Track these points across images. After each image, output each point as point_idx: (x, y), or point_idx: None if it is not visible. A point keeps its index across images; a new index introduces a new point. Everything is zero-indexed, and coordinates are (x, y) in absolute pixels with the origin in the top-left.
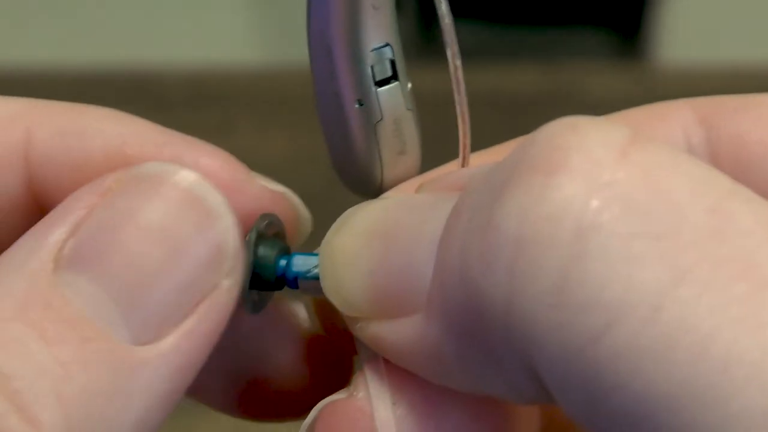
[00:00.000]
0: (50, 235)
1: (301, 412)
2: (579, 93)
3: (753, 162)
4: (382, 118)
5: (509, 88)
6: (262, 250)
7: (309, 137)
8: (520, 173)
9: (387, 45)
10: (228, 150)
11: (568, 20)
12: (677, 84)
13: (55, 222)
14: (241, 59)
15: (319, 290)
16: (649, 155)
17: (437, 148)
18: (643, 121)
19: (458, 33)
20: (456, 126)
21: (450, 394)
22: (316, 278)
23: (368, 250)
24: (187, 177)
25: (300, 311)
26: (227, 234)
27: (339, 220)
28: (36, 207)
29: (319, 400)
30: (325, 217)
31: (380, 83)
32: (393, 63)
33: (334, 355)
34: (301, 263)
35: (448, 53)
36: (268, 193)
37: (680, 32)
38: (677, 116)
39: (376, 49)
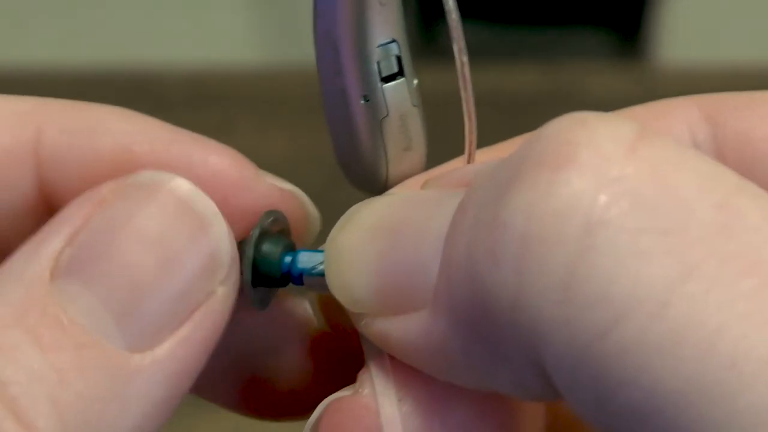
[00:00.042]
0: (48, 245)
1: (306, 409)
2: (579, 93)
3: (759, 159)
4: (387, 114)
5: (509, 88)
6: (267, 247)
7: (309, 137)
8: (528, 169)
9: (393, 41)
10: None
11: (568, 20)
12: (677, 84)
13: (52, 231)
14: (241, 59)
15: (324, 287)
16: (657, 150)
17: (438, 148)
18: (648, 118)
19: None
20: (457, 125)
21: (455, 391)
22: (321, 275)
23: (374, 246)
24: (180, 185)
25: (305, 308)
26: (220, 242)
27: (344, 217)
28: (45, 205)
29: (324, 398)
30: (325, 216)
31: (386, 79)
32: (399, 59)
33: (339, 352)
34: (306, 260)
35: (455, 49)
36: (277, 191)
37: (680, 32)
38: (682, 113)
39: (382, 45)
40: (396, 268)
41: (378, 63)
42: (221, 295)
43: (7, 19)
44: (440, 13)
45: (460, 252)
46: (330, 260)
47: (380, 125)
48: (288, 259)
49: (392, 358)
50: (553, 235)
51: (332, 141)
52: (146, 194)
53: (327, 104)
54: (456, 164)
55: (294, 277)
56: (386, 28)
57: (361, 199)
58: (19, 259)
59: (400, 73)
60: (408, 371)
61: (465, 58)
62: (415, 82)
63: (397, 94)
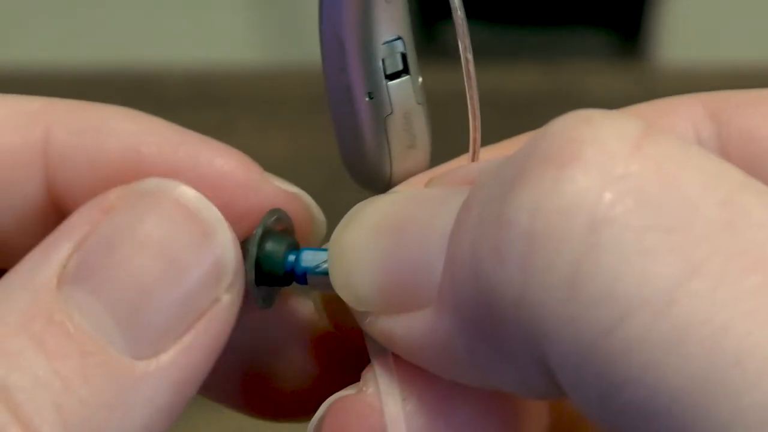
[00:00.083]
0: (55, 252)
1: (310, 409)
2: (579, 93)
3: (763, 156)
4: (392, 112)
5: (509, 88)
6: (271, 245)
7: (309, 137)
8: (533, 166)
9: (399, 38)
10: None
11: (568, 20)
12: (677, 84)
13: (60, 238)
14: (241, 59)
15: (327, 286)
16: (662, 148)
17: (441, 146)
18: (652, 116)
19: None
20: (458, 124)
21: (460, 389)
22: (325, 273)
23: (378, 244)
24: (185, 193)
25: (308, 307)
26: (225, 249)
27: (348, 215)
28: (53, 206)
29: (328, 397)
30: (326, 216)
31: (391, 77)
32: (404, 57)
33: (343, 351)
34: (309, 258)
35: (461, 47)
36: (283, 193)
37: (680, 32)
38: (686, 111)
39: (387, 42)
40: (400, 267)
41: (383, 60)
42: (226, 303)
43: (7, 19)
44: (441, 13)
45: (465, 250)
46: (334, 259)
47: (384, 123)
48: (291, 257)
49: (396, 356)
50: (558, 233)
51: (336, 138)
52: (152, 202)
53: (332, 101)
54: (460, 162)
55: (297, 276)
56: (391, 26)
57: (363, 199)
58: (26, 265)
59: (405, 70)
60: (412, 370)
61: (470, 56)
62: (420, 79)
63: (402, 92)
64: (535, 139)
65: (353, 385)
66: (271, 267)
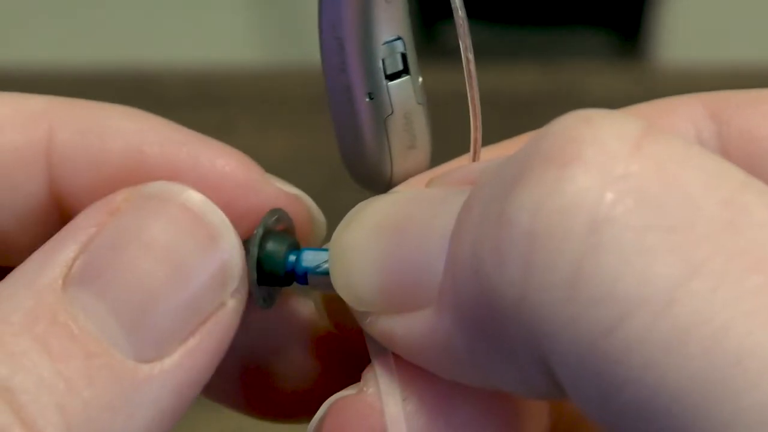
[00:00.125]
0: (60, 253)
1: (310, 409)
2: (579, 93)
3: (763, 156)
4: (392, 112)
5: (509, 88)
6: (272, 245)
7: (309, 137)
8: (533, 166)
9: (399, 38)
10: None
11: (568, 20)
12: (677, 84)
13: (65, 239)
14: (241, 59)
15: (328, 286)
16: (662, 148)
17: (441, 146)
18: (652, 116)
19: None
20: (458, 125)
21: (460, 390)
22: (326, 273)
23: (378, 244)
24: (192, 197)
25: (309, 307)
26: (232, 254)
27: (349, 215)
28: (56, 205)
29: (329, 397)
30: (325, 216)
31: (391, 77)
32: (404, 57)
33: (344, 351)
34: (310, 258)
35: (461, 46)
36: (283, 194)
37: (680, 32)
38: (687, 111)
39: (387, 42)
40: (401, 267)
41: (383, 60)
42: (231, 307)
43: (7, 19)
44: (441, 13)
45: (466, 250)
46: (334, 259)
47: (385, 123)
48: (292, 257)
49: (396, 356)
50: (559, 233)
51: (337, 139)
52: (158, 205)
53: (332, 102)
54: (461, 162)
55: (298, 276)
56: (392, 26)
57: (363, 199)
58: (31, 265)
59: (405, 70)
60: (412, 370)
61: (471, 56)
62: (420, 80)
63: (402, 92)
64: (535, 139)
65: (354, 385)
66: (272, 267)
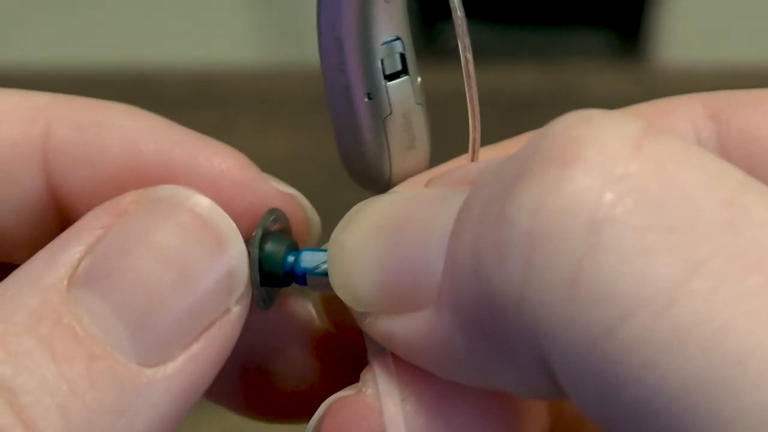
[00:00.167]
0: (66, 253)
1: (309, 409)
2: (579, 93)
3: (763, 156)
4: (391, 112)
5: (509, 88)
6: (270, 246)
7: (309, 137)
8: (533, 166)
9: (398, 39)
10: None
11: (568, 20)
12: (677, 84)
13: (71, 239)
14: (241, 59)
15: (327, 286)
16: (662, 148)
17: (439, 147)
18: (652, 116)
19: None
20: (457, 125)
21: (459, 390)
22: (325, 274)
23: (377, 244)
24: (200, 202)
25: (308, 308)
26: (239, 261)
27: (347, 216)
28: (53, 201)
29: (327, 397)
30: (325, 216)
31: (390, 77)
32: (403, 57)
33: (343, 352)
34: (309, 259)
35: (460, 46)
36: (279, 194)
37: (680, 32)
38: (687, 111)
39: (386, 42)
40: (400, 267)
41: (382, 61)
42: (235, 314)
43: (7, 19)
44: (441, 13)
45: (465, 249)
46: (333, 259)
47: (383, 123)
48: (291, 258)
49: (395, 357)
50: (559, 233)
51: (335, 139)
52: (166, 209)
53: (330, 102)
54: (459, 162)
55: (297, 277)
56: (390, 26)
57: (363, 199)
58: (35, 264)
59: (404, 71)
60: (411, 370)
61: (470, 56)
62: (419, 80)
63: (401, 92)
64: (535, 139)
65: (352, 385)
66: (271, 268)
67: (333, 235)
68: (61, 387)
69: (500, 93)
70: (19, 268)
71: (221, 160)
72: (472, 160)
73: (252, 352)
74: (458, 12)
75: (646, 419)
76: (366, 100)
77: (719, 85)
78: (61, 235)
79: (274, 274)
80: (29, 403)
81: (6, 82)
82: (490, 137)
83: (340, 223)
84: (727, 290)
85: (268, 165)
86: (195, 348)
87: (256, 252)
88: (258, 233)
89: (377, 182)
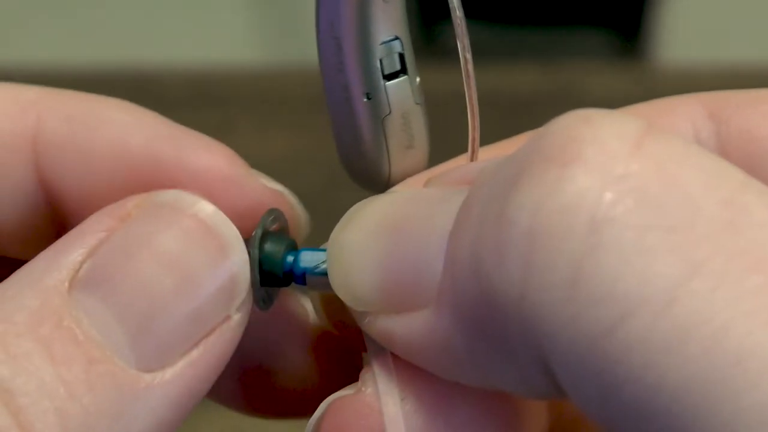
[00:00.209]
0: (68, 255)
1: (309, 409)
2: (579, 93)
3: (762, 156)
4: (390, 112)
5: (509, 88)
6: (270, 246)
7: (309, 137)
8: (533, 165)
9: (396, 38)
10: None
11: (568, 20)
12: (677, 84)
13: (74, 242)
14: (241, 59)
15: (326, 286)
16: (662, 147)
17: (438, 147)
18: (651, 116)
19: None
20: (456, 125)
21: (459, 390)
22: (324, 274)
23: (377, 244)
24: (204, 208)
25: (307, 308)
26: (241, 268)
27: (347, 215)
28: (44, 193)
29: (327, 397)
30: (325, 216)
31: (389, 77)
32: (402, 57)
33: (342, 351)
34: (308, 259)
35: (459, 46)
36: (268, 191)
37: (680, 32)
38: (686, 110)
39: (385, 42)
40: (399, 266)
41: (381, 60)
42: (235, 321)
43: (7, 19)
44: (440, 14)
45: (465, 249)
46: (333, 259)
47: (382, 123)
48: (290, 258)
49: (395, 356)
50: (559, 232)
51: (335, 139)
52: (170, 214)
53: (329, 102)
54: (458, 162)
55: (296, 277)
56: (389, 25)
57: (362, 199)
58: (37, 265)
59: (403, 70)
60: (411, 370)
61: (469, 56)
62: (418, 80)
63: (400, 92)
64: (535, 138)
65: (352, 385)
66: (271, 268)
67: (332, 235)
68: (58, 390)
69: (500, 93)
70: (21, 268)
71: (209, 155)
72: (472, 159)
73: (252, 351)
74: (457, 12)
75: (645, 419)
76: (365, 99)
77: (719, 85)
78: (63, 237)
79: (273, 274)
80: (26, 405)
81: (6, 81)
82: (489, 137)
83: (340, 222)
84: (727, 290)
85: (268, 165)
86: (194, 354)
87: (255, 252)
88: (258, 233)
89: (376, 182)
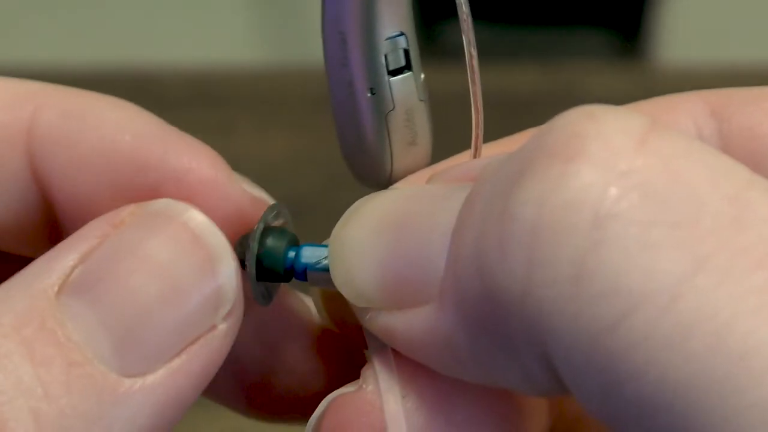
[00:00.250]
0: (60, 260)
1: (310, 406)
2: (579, 93)
3: (764, 154)
4: (393, 108)
5: (509, 88)
6: (271, 241)
7: (309, 137)
8: (537, 161)
9: (402, 34)
10: (228, 150)
11: (568, 20)
12: (677, 84)
13: (67, 248)
14: (241, 59)
15: (328, 282)
16: (667, 143)
17: (439, 147)
18: (654, 113)
19: (461, 33)
20: (458, 124)
21: (461, 387)
22: (326, 270)
23: (379, 240)
24: (194, 218)
25: (308, 304)
26: (228, 278)
27: (349, 211)
28: (38, 186)
29: (328, 394)
30: (325, 216)
31: (393, 72)
32: (407, 52)
33: (343, 348)
34: (310, 254)
35: (465, 41)
36: (247, 195)
37: (680, 32)
38: (688, 108)
39: (390, 38)
40: (402, 263)
41: (385, 56)
42: (221, 331)
43: (7, 19)
44: (442, 13)
45: (468, 245)
46: (334, 255)
47: (386, 119)
48: (292, 254)
49: (396, 353)
50: (562, 228)
51: (337, 134)
52: (161, 222)
53: (333, 97)
54: (461, 159)
55: (297, 273)
56: (395, 21)
57: (363, 197)
58: (31, 270)
59: (408, 66)
60: (412, 367)
61: (474, 52)
62: (422, 76)
63: (404, 88)
64: (539, 134)
65: (353, 382)
66: (272, 263)
67: (334, 231)
68: (35, 389)
69: (500, 93)
70: (17, 274)
71: (191, 157)
72: (475, 156)
73: (252, 349)
74: (464, 7)
75: (648, 416)
76: (369, 95)
77: (719, 85)
78: (59, 243)
79: (274, 270)
80: (2, 402)
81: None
82: (489, 137)
83: (342, 218)
84: (731, 286)
85: (268, 165)
86: (176, 362)
87: (255, 247)
88: (259, 228)
89: (379, 178)
